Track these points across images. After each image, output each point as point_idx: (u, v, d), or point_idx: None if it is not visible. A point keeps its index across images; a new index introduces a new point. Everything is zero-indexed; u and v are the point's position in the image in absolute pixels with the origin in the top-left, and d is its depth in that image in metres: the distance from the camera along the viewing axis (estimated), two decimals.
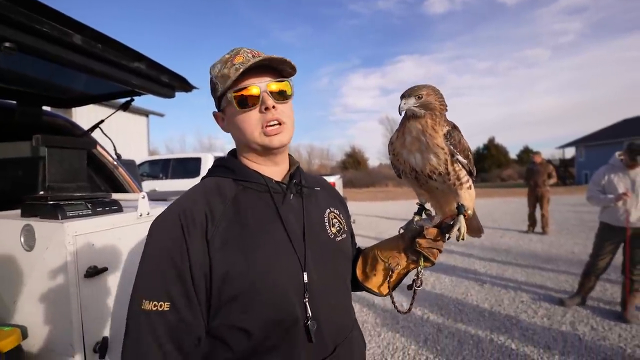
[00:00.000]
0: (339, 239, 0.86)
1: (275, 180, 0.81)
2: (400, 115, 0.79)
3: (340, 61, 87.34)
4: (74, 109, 11.02)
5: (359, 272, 0.93)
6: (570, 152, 31.42)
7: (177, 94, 1.83)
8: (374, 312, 3.65)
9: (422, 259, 0.83)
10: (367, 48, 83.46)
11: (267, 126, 0.75)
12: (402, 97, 0.78)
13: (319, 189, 0.91)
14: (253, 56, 0.76)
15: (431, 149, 0.78)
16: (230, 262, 0.69)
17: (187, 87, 1.79)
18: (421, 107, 0.77)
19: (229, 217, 0.74)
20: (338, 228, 0.88)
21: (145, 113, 14.96)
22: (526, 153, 44.93)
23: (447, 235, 0.82)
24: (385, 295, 0.92)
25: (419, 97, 0.77)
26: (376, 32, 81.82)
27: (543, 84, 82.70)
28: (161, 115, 16.18)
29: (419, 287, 0.84)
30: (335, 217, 0.89)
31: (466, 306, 3.72)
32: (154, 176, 8.62)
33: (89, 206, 1.16)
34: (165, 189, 7.59)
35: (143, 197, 1.25)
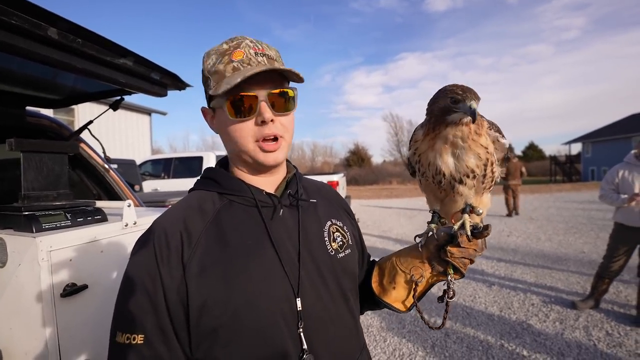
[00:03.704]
0: (341, 255, 0.76)
1: (266, 192, 0.72)
2: (473, 122, 0.65)
3: (342, 59, 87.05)
4: (76, 109, 10.99)
5: (374, 284, 0.83)
6: (576, 148, 31.06)
7: (175, 92, 1.73)
8: (379, 315, 3.54)
9: (452, 270, 0.74)
10: (369, 45, 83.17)
11: (262, 140, 0.67)
12: (470, 99, 0.63)
13: (315, 200, 0.80)
14: (256, 53, 0.67)
15: (472, 150, 0.68)
16: (209, 290, 0.61)
17: (180, 85, 1.68)
18: None
19: (209, 237, 0.65)
20: (340, 243, 0.78)
21: (148, 112, 14.91)
22: (531, 149, 44.56)
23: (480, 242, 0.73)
24: (406, 312, 0.82)
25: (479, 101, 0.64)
26: (378, 29, 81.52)
27: (547, 80, 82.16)
28: (164, 113, 16.17)
29: (451, 298, 0.74)
30: (337, 230, 0.79)
31: (474, 310, 3.60)
32: (156, 175, 8.57)
33: (68, 217, 1.06)
34: (167, 188, 7.53)
35: (129, 206, 1.14)
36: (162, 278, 0.60)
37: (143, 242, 0.65)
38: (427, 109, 0.71)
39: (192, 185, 0.76)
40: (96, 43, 1.15)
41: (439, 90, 0.69)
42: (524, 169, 9.67)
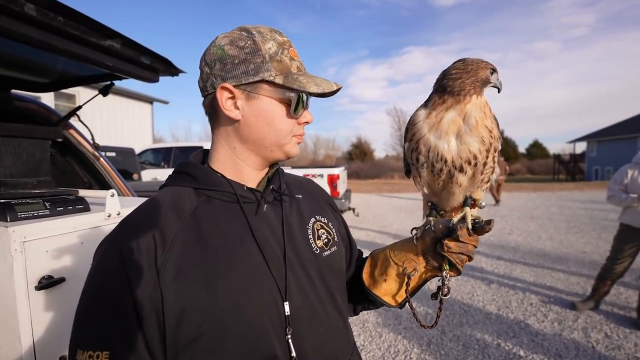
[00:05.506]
0: (326, 253, 0.72)
1: (247, 187, 0.66)
2: (499, 93, 0.70)
3: (347, 52, 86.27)
4: (77, 96, 10.92)
5: (365, 275, 0.79)
6: (581, 147, 30.76)
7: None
8: (376, 311, 3.51)
9: (447, 264, 0.69)
10: (375, 39, 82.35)
11: (298, 136, 0.70)
12: (495, 71, 0.67)
13: (300, 196, 0.76)
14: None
15: (477, 131, 0.63)
16: (188, 295, 0.55)
17: (172, 70, 1.61)
18: None
19: (186, 237, 0.58)
20: (325, 240, 0.74)
21: (150, 100, 14.79)
22: (535, 147, 44.24)
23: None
24: (398, 307, 0.78)
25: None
26: (384, 23, 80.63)
27: (553, 77, 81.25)
28: (165, 102, 16.03)
29: (445, 296, 0.71)
30: (322, 227, 0.75)
31: (472, 307, 3.56)
32: (155, 164, 8.54)
33: (47, 205, 1.00)
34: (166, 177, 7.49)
35: (112, 195, 1.09)
36: (131, 286, 0.54)
37: (108, 245, 0.58)
38: (452, 82, 0.65)
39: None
40: (79, 22, 1.08)
41: (468, 62, 0.66)
42: (507, 167, 12.54)
